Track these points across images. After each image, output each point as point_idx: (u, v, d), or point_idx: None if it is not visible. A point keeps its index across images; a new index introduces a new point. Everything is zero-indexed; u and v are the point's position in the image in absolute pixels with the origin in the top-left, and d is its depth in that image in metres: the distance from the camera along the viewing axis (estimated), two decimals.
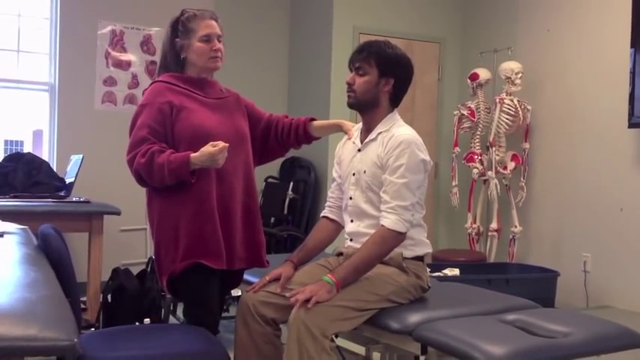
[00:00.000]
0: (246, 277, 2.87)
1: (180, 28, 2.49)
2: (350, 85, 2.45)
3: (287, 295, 2.31)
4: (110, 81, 5.33)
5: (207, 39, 2.50)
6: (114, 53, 5.35)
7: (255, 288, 2.41)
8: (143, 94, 2.56)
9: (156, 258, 2.52)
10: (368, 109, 2.46)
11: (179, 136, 2.42)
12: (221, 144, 2.34)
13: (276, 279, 2.41)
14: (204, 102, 2.51)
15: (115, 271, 3.96)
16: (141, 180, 2.44)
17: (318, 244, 2.59)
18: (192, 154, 2.35)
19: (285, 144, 2.77)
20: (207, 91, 2.55)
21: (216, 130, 2.46)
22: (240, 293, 3.01)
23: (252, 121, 2.72)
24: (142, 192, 2.57)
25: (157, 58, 5.29)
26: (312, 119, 2.76)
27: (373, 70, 2.41)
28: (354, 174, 2.48)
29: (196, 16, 2.51)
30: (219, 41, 2.55)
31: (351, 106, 2.49)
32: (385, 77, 2.41)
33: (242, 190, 2.55)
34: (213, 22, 2.53)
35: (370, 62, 2.41)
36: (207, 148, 2.35)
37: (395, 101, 2.48)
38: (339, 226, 2.61)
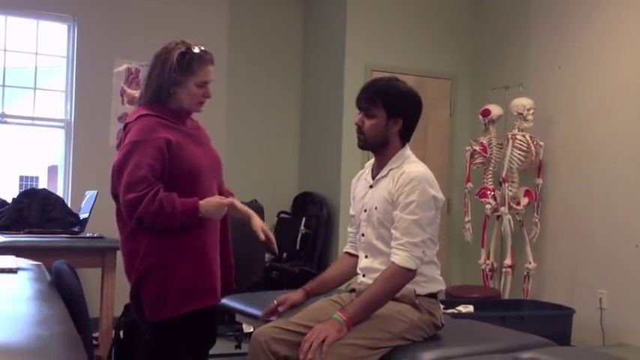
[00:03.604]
0: (256, 313, 2.87)
1: (184, 64, 2.44)
2: (359, 127, 2.44)
3: (297, 330, 2.30)
4: (125, 118, 5.38)
5: (203, 85, 2.49)
6: (129, 90, 5.42)
7: (265, 314, 2.42)
8: (125, 127, 2.50)
9: (142, 290, 2.44)
10: (379, 149, 2.47)
11: (177, 173, 2.40)
12: (229, 199, 2.43)
13: (283, 304, 2.43)
14: (187, 134, 2.50)
15: (127, 307, 3.95)
16: (140, 222, 2.38)
17: (335, 276, 2.59)
18: (201, 203, 2.37)
19: None
20: (185, 121, 2.54)
21: (204, 163, 2.49)
22: (252, 329, 3.00)
23: None
24: None
25: None
26: (232, 195, 2.74)
27: (381, 112, 2.40)
28: (365, 210, 2.48)
29: (202, 59, 2.47)
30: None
31: (361, 147, 2.51)
32: (394, 118, 2.41)
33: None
34: (212, 68, 2.52)
35: (377, 103, 2.39)
36: (217, 199, 2.41)
37: (405, 138, 2.48)
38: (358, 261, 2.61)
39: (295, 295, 2.44)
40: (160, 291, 2.41)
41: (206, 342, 2.69)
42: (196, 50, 2.47)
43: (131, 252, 2.46)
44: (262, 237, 2.57)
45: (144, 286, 2.43)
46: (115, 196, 2.45)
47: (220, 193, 2.60)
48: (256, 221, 2.60)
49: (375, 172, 2.50)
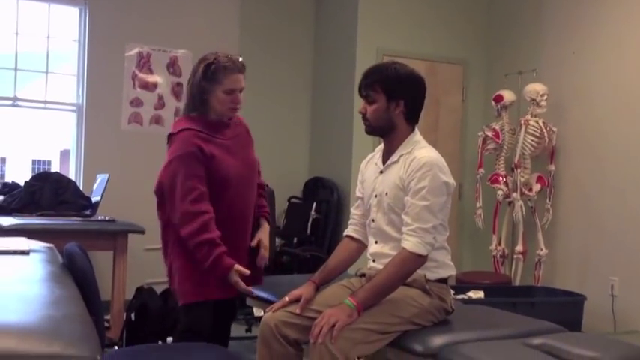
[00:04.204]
0: (267, 296, 2.87)
1: (209, 74, 2.60)
2: (363, 114, 2.47)
3: (307, 314, 2.31)
4: (136, 102, 5.40)
5: (231, 92, 2.63)
6: (140, 75, 5.42)
7: (273, 308, 2.41)
8: (170, 139, 2.64)
9: (172, 277, 2.69)
10: (386, 133, 2.46)
11: (208, 183, 2.57)
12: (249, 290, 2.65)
13: (297, 300, 2.40)
14: (223, 144, 2.66)
15: (139, 290, 3.99)
16: (178, 227, 2.56)
17: (340, 263, 2.58)
18: (234, 271, 2.53)
19: None
20: (223, 131, 2.70)
21: (235, 174, 2.64)
22: (262, 313, 3.01)
23: None
24: None
25: (183, 79, 5.35)
26: (266, 218, 2.87)
27: (380, 96, 2.41)
28: (376, 196, 2.47)
29: (226, 68, 2.61)
30: (241, 91, 2.68)
31: (368, 133, 2.52)
32: (394, 100, 2.40)
33: (251, 222, 2.76)
34: (241, 76, 2.65)
35: (376, 88, 2.41)
36: (243, 286, 2.57)
37: (412, 119, 2.46)
38: (362, 245, 2.60)
39: (307, 290, 2.43)
40: (182, 281, 2.61)
41: (228, 317, 2.89)
42: (222, 60, 2.62)
43: (165, 242, 2.68)
44: (254, 243, 2.75)
45: (172, 274, 2.67)
46: (157, 193, 2.64)
47: (254, 195, 2.79)
48: (260, 233, 2.78)
49: (385, 157, 2.49)
